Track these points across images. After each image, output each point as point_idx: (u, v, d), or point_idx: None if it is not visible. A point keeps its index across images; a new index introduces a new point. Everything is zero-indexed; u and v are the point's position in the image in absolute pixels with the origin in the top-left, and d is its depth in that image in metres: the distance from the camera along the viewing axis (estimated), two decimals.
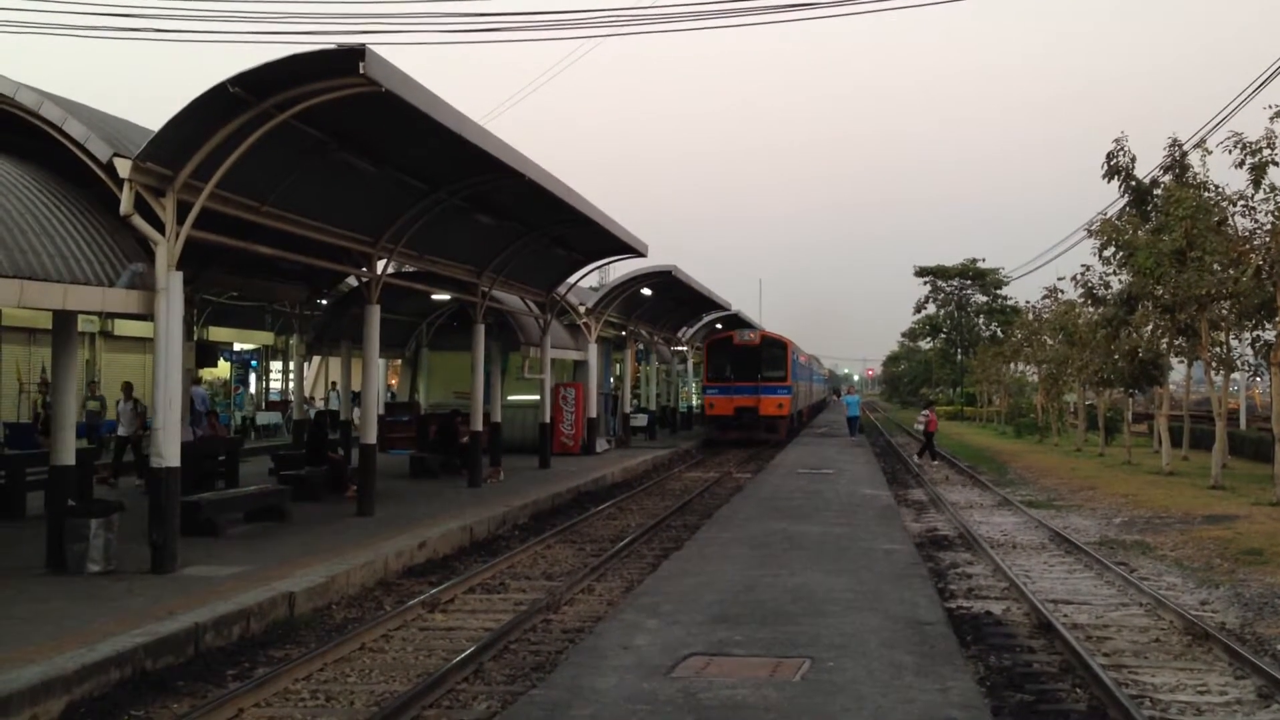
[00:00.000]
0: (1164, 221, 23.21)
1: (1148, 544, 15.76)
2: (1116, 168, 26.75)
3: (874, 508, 17.65)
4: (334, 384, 39.35)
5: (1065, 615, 10.93)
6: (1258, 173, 19.60)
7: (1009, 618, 10.92)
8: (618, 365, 38.93)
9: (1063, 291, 39.05)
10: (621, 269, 34.12)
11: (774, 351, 38.94)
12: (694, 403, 51.87)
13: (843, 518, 16.12)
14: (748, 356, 38.04)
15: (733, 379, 37.75)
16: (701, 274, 49.60)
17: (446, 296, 22.93)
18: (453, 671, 8.41)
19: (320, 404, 38.51)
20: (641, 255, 25.57)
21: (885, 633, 8.64)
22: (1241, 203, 20.59)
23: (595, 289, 34.39)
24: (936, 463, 32.51)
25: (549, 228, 20.81)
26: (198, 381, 36.67)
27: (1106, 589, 12.53)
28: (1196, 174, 22.71)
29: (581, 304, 30.55)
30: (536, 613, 10.68)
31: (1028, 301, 56.03)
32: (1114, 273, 27.40)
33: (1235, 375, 31.43)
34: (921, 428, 36.82)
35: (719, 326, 45.86)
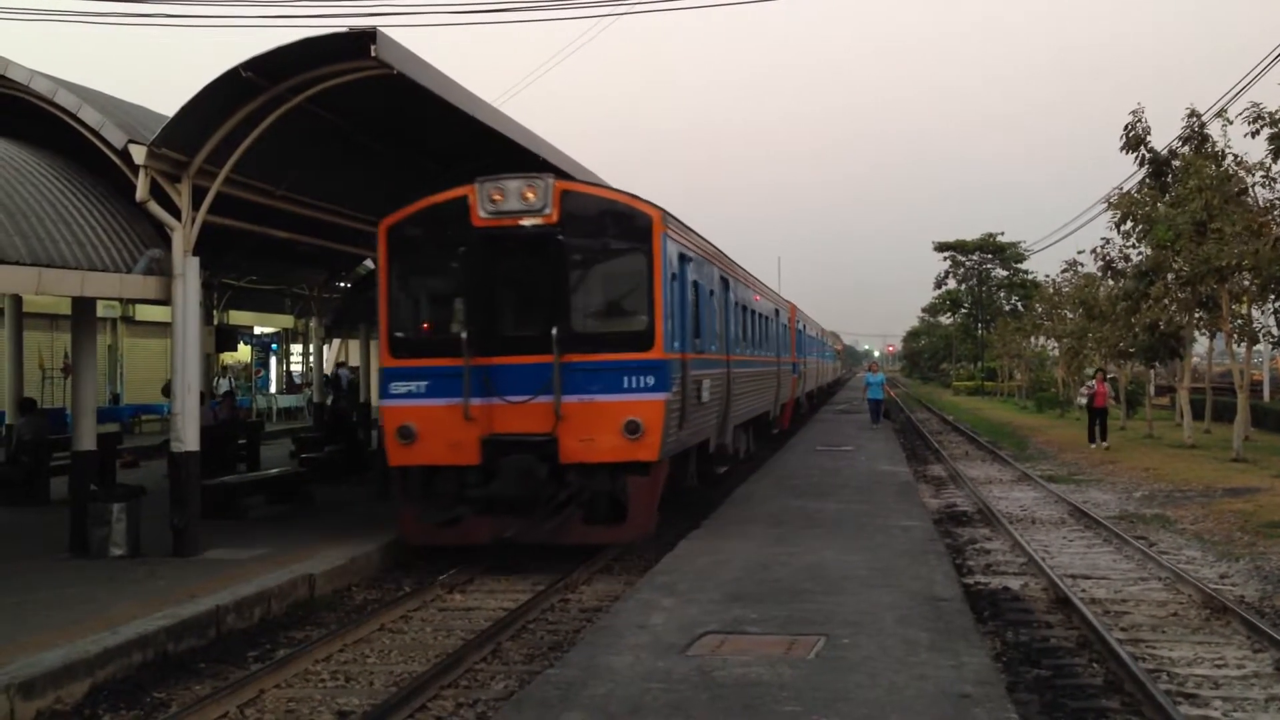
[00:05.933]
0: (1182, 193, 22.97)
1: (1168, 518, 15.71)
2: (1134, 139, 26.44)
3: (892, 484, 17.60)
4: (352, 365, 39.41)
5: (1083, 590, 10.93)
6: (1277, 143, 19.37)
7: (1026, 593, 10.92)
8: None
9: (1082, 265, 38.67)
10: None
11: (603, 244, 11.87)
12: None
13: (860, 495, 16.09)
14: (517, 264, 11.70)
15: (475, 347, 11.37)
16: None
17: None
18: (471, 651, 8.48)
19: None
20: None
21: (901, 609, 8.64)
22: (1261, 173, 20.37)
23: None
24: (1107, 444, 26.70)
25: None
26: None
27: (1125, 563, 12.52)
28: (1216, 143, 22.45)
29: None
30: (554, 592, 10.74)
31: (1047, 275, 55.52)
32: (1133, 245, 27.15)
33: (1259, 347, 31.15)
34: (1085, 402, 29.18)
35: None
